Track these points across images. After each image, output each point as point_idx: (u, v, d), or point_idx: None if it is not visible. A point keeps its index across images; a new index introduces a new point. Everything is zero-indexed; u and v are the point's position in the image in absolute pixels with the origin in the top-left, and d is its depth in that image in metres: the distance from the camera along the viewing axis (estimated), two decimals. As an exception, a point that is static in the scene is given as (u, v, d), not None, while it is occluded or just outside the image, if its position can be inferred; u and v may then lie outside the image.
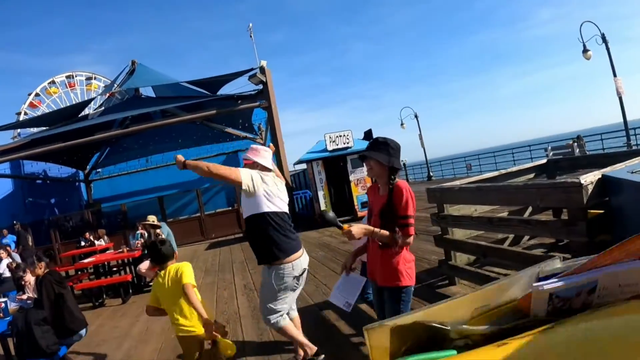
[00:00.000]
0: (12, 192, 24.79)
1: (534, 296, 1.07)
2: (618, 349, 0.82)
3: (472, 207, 5.90)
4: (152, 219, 10.15)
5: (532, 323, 1.03)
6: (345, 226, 3.07)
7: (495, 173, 7.08)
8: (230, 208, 20.29)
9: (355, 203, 15.45)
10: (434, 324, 1.09)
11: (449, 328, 1.09)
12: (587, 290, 1.04)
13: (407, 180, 32.63)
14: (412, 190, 3.10)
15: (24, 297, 6.09)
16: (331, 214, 3.21)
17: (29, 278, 6.01)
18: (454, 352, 1.03)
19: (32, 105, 32.45)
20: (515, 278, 1.24)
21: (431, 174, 30.01)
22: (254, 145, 4.54)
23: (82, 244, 14.19)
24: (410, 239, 3.08)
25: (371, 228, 3.11)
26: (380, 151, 3.11)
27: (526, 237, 6.40)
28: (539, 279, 1.16)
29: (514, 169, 7.37)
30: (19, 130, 25.23)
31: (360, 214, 15.19)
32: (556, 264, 1.26)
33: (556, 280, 1.06)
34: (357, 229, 3.08)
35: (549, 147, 21.07)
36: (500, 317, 1.15)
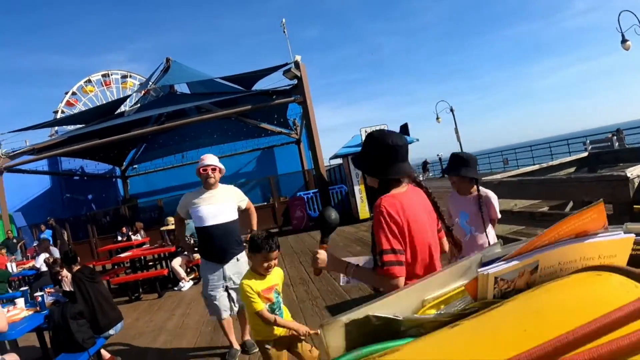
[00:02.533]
0: (51, 188, 25.28)
1: (480, 281, 1.08)
2: (559, 315, 0.88)
3: (512, 201, 5.72)
4: (171, 220, 10.20)
5: (480, 306, 1.06)
6: (323, 246, 2.38)
7: (536, 166, 6.93)
8: (265, 203, 20.20)
9: (391, 198, 15.13)
10: (386, 315, 1.11)
11: (401, 318, 1.10)
12: (530, 270, 1.09)
13: (443, 175, 32.29)
14: (390, 209, 2.16)
15: (54, 290, 6.09)
16: (334, 215, 2.42)
17: (66, 272, 6.00)
18: (410, 339, 1.02)
19: (68, 103, 33.11)
20: (459, 265, 1.28)
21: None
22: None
23: (119, 238, 14.32)
24: (392, 282, 2.08)
25: (345, 263, 2.34)
26: None
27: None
28: (483, 264, 1.19)
29: (555, 162, 7.20)
30: (56, 128, 25.65)
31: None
32: (497, 248, 1.30)
33: (499, 263, 1.10)
34: (325, 256, 2.36)
35: (588, 141, 20.61)
36: (449, 304, 1.21)
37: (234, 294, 5.03)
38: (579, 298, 0.96)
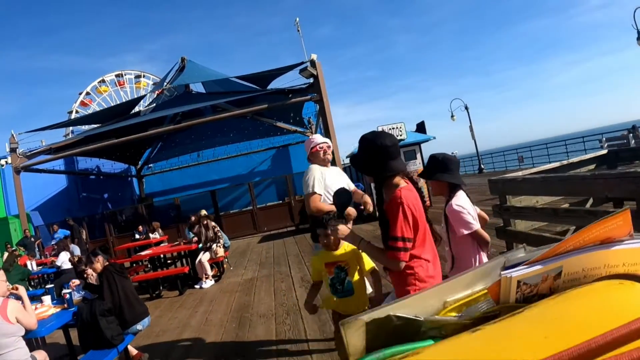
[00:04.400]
0: (67, 187, 25.44)
1: (502, 284, 1.08)
2: (580, 324, 0.87)
3: (534, 198, 5.70)
4: (203, 213, 10.25)
5: (502, 310, 1.06)
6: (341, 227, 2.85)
7: (556, 164, 6.95)
8: (281, 201, 20.20)
9: (408, 196, 15.09)
10: (408, 316, 1.10)
11: (422, 319, 1.10)
12: (553, 276, 1.07)
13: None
14: (407, 201, 2.53)
15: (77, 282, 6.11)
16: (343, 192, 3.12)
17: (91, 271, 6.01)
18: (431, 341, 1.03)
19: (83, 103, 33.32)
20: (482, 268, 1.26)
21: (482, 166, 29.45)
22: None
23: (137, 237, 14.37)
24: (397, 265, 2.55)
25: (359, 237, 2.78)
26: None
27: None
28: (506, 268, 1.14)
29: (575, 159, 7.21)
30: (71, 128, 25.83)
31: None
32: (521, 252, 1.25)
33: (523, 267, 1.08)
34: (345, 229, 2.84)
35: (604, 138, 20.43)
36: (470, 306, 1.18)
37: None
38: (600, 307, 0.96)
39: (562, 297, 1.02)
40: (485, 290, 1.18)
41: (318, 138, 4.61)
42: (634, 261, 1.08)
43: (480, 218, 3.39)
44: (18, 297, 4.47)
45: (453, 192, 3.26)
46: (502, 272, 1.08)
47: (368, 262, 3.54)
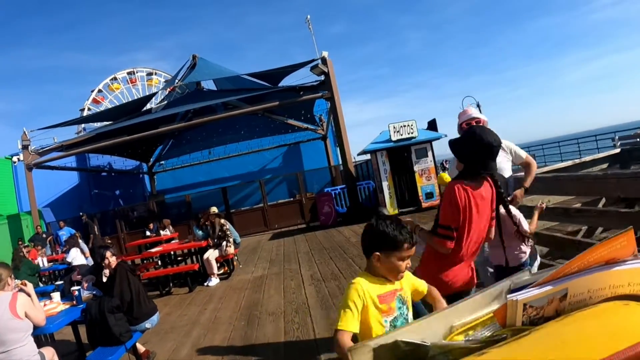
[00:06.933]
0: (79, 184, 25.65)
1: (508, 307, 1.09)
2: (584, 346, 0.88)
3: (546, 197, 5.63)
4: (213, 210, 10.21)
5: (508, 333, 1.07)
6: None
7: (569, 163, 6.90)
8: (292, 199, 20.18)
9: (420, 194, 15.06)
10: (415, 342, 1.11)
11: (429, 344, 1.10)
12: (559, 297, 1.09)
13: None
14: (461, 195, 2.73)
15: (78, 277, 6.13)
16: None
17: (113, 260, 6.00)
18: None
19: (95, 101, 33.48)
20: (488, 292, 1.28)
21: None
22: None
23: (147, 234, 14.41)
24: (443, 249, 2.80)
25: (415, 224, 2.96)
26: None
27: (599, 230, 6.07)
28: (512, 291, 1.21)
29: (587, 158, 7.14)
30: (83, 125, 25.97)
31: (424, 204, 14.91)
32: (526, 275, 1.30)
33: (528, 290, 1.10)
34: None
35: (617, 137, 20.22)
36: (477, 330, 1.21)
37: None
38: (604, 329, 0.98)
39: (567, 319, 1.04)
40: (492, 314, 1.21)
41: (472, 112, 4.48)
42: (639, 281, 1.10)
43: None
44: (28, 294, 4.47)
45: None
46: (509, 296, 1.10)
47: (419, 281, 2.49)
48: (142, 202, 25.69)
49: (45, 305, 5.27)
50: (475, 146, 2.75)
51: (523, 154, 4.50)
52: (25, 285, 4.53)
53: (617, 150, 7.52)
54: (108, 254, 5.46)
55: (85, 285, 5.91)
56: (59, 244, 15.99)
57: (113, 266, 5.40)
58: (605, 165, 7.04)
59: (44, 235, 16.77)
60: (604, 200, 6.04)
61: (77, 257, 10.22)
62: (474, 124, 4.22)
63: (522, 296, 1.06)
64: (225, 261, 10.12)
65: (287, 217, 18.84)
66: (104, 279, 5.49)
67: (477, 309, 1.25)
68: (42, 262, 12.11)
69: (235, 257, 10.72)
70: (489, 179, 2.85)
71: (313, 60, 16.35)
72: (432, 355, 1.08)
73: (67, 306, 5.27)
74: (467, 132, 2.93)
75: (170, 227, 13.98)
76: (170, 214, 20.07)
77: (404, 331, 1.14)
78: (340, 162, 18.56)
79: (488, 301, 1.26)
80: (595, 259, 1.08)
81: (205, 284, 9.45)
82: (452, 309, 1.24)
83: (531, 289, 1.10)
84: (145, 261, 11.63)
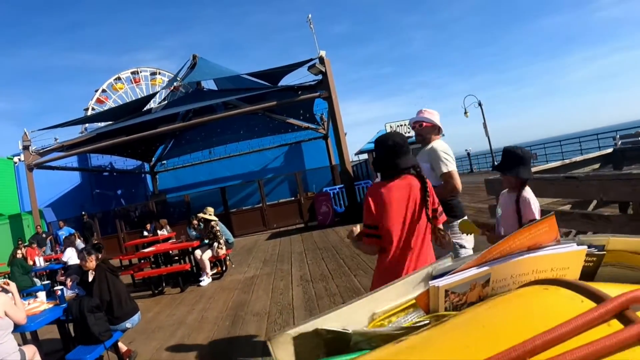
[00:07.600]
0: (81, 184, 25.79)
1: (430, 293, 1.09)
2: (503, 330, 0.87)
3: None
4: (210, 210, 10.26)
5: (430, 319, 1.08)
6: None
7: (558, 163, 6.83)
8: (292, 198, 20.18)
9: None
10: (336, 329, 1.11)
11: (350, 332, 1.10)
12: (482, 283, 1.09)
13: (472, 170, 31.93)
14: (372, 194, 2.86)
15: (62, 277, 6.19)
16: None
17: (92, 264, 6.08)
18: (359, 352, 1.03)
19: (99, 101, 33.55)
20: (410, 278, 1.28)
21: (496, 163, 29.14)
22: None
23: (145, 233, 14.48)
24: (367, 248, 2.98)
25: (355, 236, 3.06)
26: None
27: (590, 233, 6.00)
28: (434, 277, 1.19)
29: (579, 158, 7.09)
30: (86, 125, 26.09)
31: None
32: (448, 262, 1.29)
33: (450, 276, 1.10)
34: (357, 229, 3.08)
35: (618, 136, 20.09)
36: (400, 317, 1.22)
37: None
38: (524, 312, 0.97)
39: (487, 304, 1.03)
40: (414, 301, 1.19)
41: (418, 116, 4.29)
42: (562, 265, 1.10)
43: None
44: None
45: (524, 185, 3.33)
46: (430, 282, 1.10)
47: None
48: (143, 201, 25.81)
49: (29, 304, 5.36)
50: (382, 152, 2.91)
51: (444, 168, 3.96)
52: (8, 284, 4.61)
53: (610, 150, 7.47)
54: (87, 256, 5.52)
55: (69, 284, 6.00)
56: (59, 243, 16.10)
57: (92, 268, 5.47)
58: (597, 165, 7.00)
59: (44, 235, 16.87)
60: (595, 202, 5.98)
61: (72, 256, 10.27)
62: (417, 127, 4.21)
63: (443, 282, 1.07)
64: (217, 261, 10.17)
65: (286, 216, 18.84)
66: (90, 279, 5.56)
67: (400, 296, 1.25)
68: (39, 261, 12.21)
69: (228, 257, 10.77)
70: (413, 172, 2.91)
71: (311, 60, 16.36)
72: (355, 342, 1.09)
73: (51, 305, 5.36)
74: (374, 144, 3.03)
75: (168, 227, 14.02)
76: (171, 214, 20.15)
77: (325, 319, 1.14)
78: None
79: (411, 288, 1.27)
80: (517, 245, 1.09)
81: (199, 282, 9.52)
82: (375, 296, 1.24)
83: (452, 275, 1.10)
84: (141, 261, 11.70)
